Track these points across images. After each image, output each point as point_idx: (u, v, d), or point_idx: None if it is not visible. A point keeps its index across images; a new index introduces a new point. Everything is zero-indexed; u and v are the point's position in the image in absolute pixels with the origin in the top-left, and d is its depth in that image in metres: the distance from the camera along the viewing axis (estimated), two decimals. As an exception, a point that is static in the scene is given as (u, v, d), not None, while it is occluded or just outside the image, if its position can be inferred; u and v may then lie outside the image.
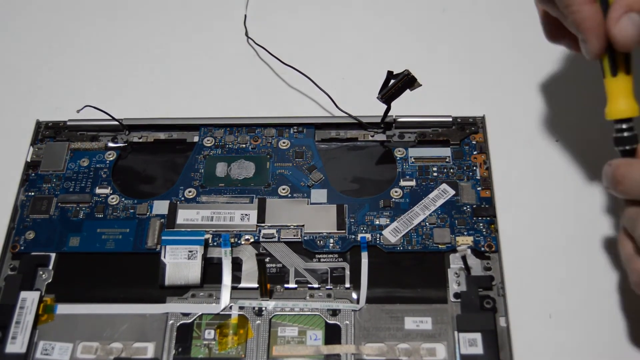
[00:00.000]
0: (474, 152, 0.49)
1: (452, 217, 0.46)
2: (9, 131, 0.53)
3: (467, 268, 0.44)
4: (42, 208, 0.47)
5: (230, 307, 0.43)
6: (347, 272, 0.44)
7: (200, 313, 0.43)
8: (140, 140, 0.51)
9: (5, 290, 0.44)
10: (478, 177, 0.48)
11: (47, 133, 0.51)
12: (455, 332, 0.41)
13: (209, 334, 0.42)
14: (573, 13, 0.34)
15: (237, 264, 0.45)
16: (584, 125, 0.50)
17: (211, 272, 0.44)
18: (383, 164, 0.49)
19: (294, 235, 0.46)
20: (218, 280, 0.44)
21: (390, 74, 0.46)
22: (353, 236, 0.45)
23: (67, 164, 0.50)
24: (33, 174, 0.49)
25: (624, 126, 0.38)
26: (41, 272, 0.45)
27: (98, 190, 0.48)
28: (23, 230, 0.47)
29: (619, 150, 0.39)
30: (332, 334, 0.42)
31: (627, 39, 0.34)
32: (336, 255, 0.45)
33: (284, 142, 0.50)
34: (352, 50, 0.57)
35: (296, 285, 0.44)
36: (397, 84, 0.46)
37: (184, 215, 0.47)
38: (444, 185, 0.47)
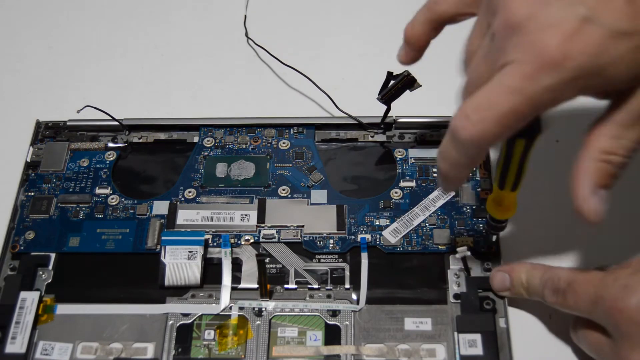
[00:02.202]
0: (474, 153, 0.49)
1: (452, 218, 0.46)
2: (9, 131, 0.53)
3: (467, 269, 0.44)
4: (42, 208, 0.47)
5: (230, 308, 0.43)
6: (347, 273, 0.44)
7: (200, 313, 0.43)
8: (140, 141, 0.51)
9: (5, 290, 0.44)
10: (478, 178, 0.48)
11: (47, 133, 0.51)
12: (455, 333, 0.41)
13: (209, 334, 0.42)
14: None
15: (237, 265, 0.45)
16: (585, 126, 0.50)
17: (211, 272, 0.44)
18: (383, 164, 0.49)
19: (294, 236, 0.46)
20: (218, 280, 0.44)
21: (390, 75, 0.46)
22: (353, 237, 0.46)
23: (67, 164, 0.50)
24: (33, 174, 0.49)
25: (500, 222, 0.42)
26: (41, 272, 0.45)
27: (98, 191, 0.48)
28: (23, 230, 0.47)
29: (490, 232, 0.44)
30: (332, 335, 0.42)
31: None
32: (336, 256, 0.45)
33: (284, 143, 0.50)
34: (352, 50, 0.57)
35: (296, 286, 0.44)
36: (397, 85, 0.46)
37: (184, 216, 0.47)
38: (444, 186, 0.47)
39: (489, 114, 0.31)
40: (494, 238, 0.44)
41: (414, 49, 0.39)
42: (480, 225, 0.45)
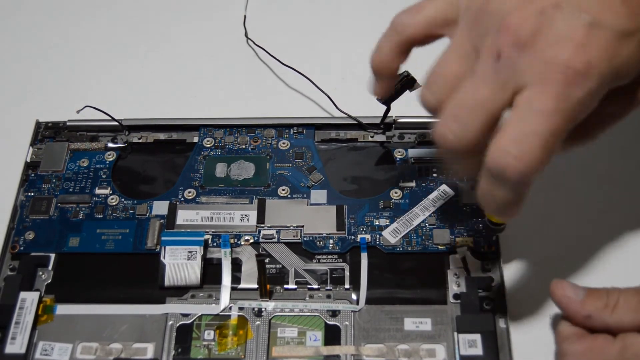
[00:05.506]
0: (474, 153, 0.49)
1: (452, 218, 0.46)
2: (9, 131, 0.53)
3: (466, 269, 0.44)
4: (42, 208, 0.47)
5: (230, 308, 0.43)
6: (347, 273, 0.44)
7: (199, 314, 0.43)
8: (140, 141, 0.51)
9: (4, 290, 0.44)
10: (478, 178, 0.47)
11: (46, 133, 0.51)
12: (455, 333, 0.41)
13: (209, 334, 0.42)
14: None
15: (236, 265, 0.45)
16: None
17: (211, 272, 0.44)
18: (383, 164, 0.49)
19: (294, 236, 0.46)
20: (218, 280, 0.44)
21: (390, 75, 0.46)
22: (353, 237, 0.45)
23: (66, 165, 0.50)
24: (33, 174, 0.49)
25: (499, 224, 0.44)
26: (41, 273, 0.45)
27: (98, 191, 0.48)
28: (23, 230, 0.47)
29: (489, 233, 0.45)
30: (332, 335, 0.42)
31: None
32: (336, 256, 0.45)
33: (283, 143, 0.50)
34: (352, 50, 0.57)
35: (296, 286, 0.44)
36: (397, 85, 0.46)
37: (184, 216, 0.47)
38: (444, 186, 0.47)
39: (532, 143, 0.30)
40: (494, 238, 0.44)
41: (388, 77, 0.38)
42: (480, 225, 0.45)
